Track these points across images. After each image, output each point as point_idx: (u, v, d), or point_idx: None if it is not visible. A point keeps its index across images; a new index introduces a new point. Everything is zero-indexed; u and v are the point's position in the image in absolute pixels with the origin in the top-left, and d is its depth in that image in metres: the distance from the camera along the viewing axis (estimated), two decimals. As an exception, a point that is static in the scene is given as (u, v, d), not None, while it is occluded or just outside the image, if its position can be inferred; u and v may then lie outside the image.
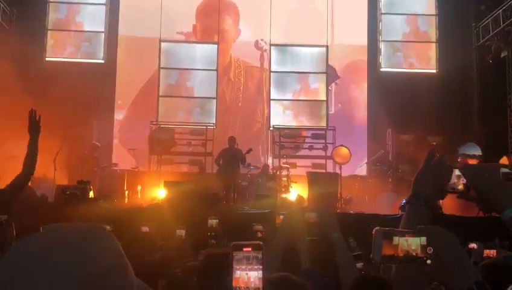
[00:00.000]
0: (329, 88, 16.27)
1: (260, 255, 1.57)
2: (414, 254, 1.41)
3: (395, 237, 1.42)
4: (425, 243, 1.41)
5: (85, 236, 1.17)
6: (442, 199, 1.90)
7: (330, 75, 16.24)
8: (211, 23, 16.63)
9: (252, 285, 1.55)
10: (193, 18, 16.68)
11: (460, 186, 1.77)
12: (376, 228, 1.46)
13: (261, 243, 1.60)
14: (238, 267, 1.57)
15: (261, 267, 1.57)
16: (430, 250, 1.40)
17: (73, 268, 1.09)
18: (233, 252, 1.58)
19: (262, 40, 16.44)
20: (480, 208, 1.83)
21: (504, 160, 12.01)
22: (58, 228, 1.19)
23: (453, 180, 1.78)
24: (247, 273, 1.56)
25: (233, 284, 1.56)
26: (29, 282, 1.08)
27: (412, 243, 1.41)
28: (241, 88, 16.45)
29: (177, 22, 16.56)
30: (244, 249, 1.58)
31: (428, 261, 1.40)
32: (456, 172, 1.78)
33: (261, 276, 1.56)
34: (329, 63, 16.09)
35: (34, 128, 4.60)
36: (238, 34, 16.71)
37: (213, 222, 5.83)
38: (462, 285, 1.42)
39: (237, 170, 12.51)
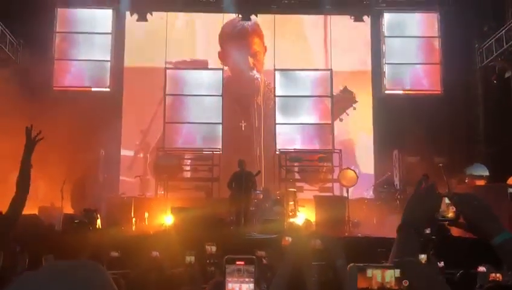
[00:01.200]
0: (347, 113, 16.33)
1: (252, 269, 1.58)
2: (388, 287, 1.42)
3: (369, 270, 1.43)
4: (399, 275, 1.42)
5: (80, 274, 1.19)
6: (433, 226, 1.91)
7: (348, 99, 16.32)
8: (238, 46, 16.82)
9: None
10: (198, 46, 16.84)
11: (451, 214, 1.78)
12: (350, 264, 1.48)
13: (254, 257, 1.61)
14: (230, 279, 1.58)
15: (252, 279, 1.58)
16: (406, 283, 1.41)
17: None
18: (226, 265, 1.59)
19: (253, 70, 16.61)
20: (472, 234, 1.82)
21: (511, 180, 11.94)
22: (54, 267, 1.21)
23: (443, 207, 1.78)
24: (239, 286, 1.57)
25: None
26: None
27: (386, 276, 1.43)
28: (273, 123, 16.38)
29: (181, 50, 16.75)
30: (237, 263, 1.59)
31: None
32: (446, 200, 1.79)
33: (252, 288, 1.57)
34: (333, 86, 16.17)
35: (28, 144, 4.40)
36: (265, 51, 16.89)
37: (212, 248, 5.65)
38: None
39: (248, 194, 12.43)
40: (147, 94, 16.31)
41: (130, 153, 16.10)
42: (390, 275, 1.44)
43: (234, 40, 16.85)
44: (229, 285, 1.59)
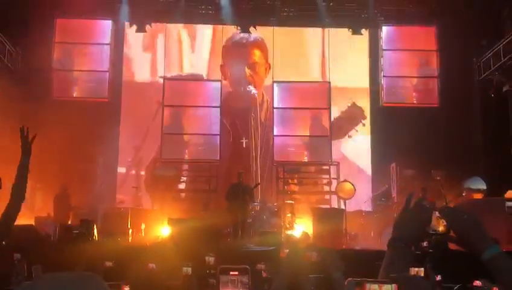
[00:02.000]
0: (356, 129, 16.32)
1: (246, 279, 1.58)
2: None
3: (367, 285, 1.44)
4: None
5: (79, 286, 1.18)
6: (423, 241, 1.91)
7: (357, 114, 16.31)
8: (238, 58, 16.83)
9: None
10: (196, 58, 16.89)
11: (441, 228, 1.77)
12: (348, 279, 1.48)
13: (248, 267, 1.61)
14: None
15: None
16: None
17: None
18: (219, 275, 1.58)
19: (250, 85, 16.51)
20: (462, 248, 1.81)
21: (509, 194, 11.93)
22: (53, 278, 1.21)
23: (434, 222, 1.78)
24: None
25: None
26: None
27: None
28: (271, 135, 16.28)
29: (179, 62, 16.81)
30: (231, 273, 1.58)
31: None
32: (437, 214, 1.78)
33: None
34: (332, 98, 16.17)
35: (25, 148, 4.04)
36: (269, 69, 16.78)
37: (210, 259, 5.65)
38: None
39: (246, 205, 12.41)
40: (143, 107, 16.29)
41: (122, 169, 15.99)
42: (389, 288, 1.44)
43: (234, 50, 16.87)
44: None
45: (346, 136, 16.34)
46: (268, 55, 16.72)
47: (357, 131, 16.34)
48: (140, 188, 15.30)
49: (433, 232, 1.79)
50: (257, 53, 16.83)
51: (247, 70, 16.59)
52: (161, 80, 16.24)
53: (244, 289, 1.50)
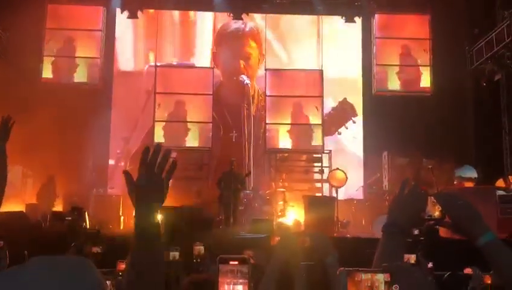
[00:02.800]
0: (346, 127, 16.27)
1: (246, 269, 1.55)
2: (377, 284, 1.40)
3: (358, 274, 1.42)
4: (389, 279, 1.40)
5: (71, 270, 1.16)
6: (419, 226, 1.91)
7: (347, 111, 16.26)
8: (233, 48, 16.66)
9: None
10: (189, 46, 16.78)
11: (437, 213, 1.77)
12: (340, 268, 1.47)
13: (247, 257, 1.59)
14: (223, 280, 1.55)
15: (246, 281, 1.55)
16: (396, 288, 1.39)
17: None
18: (219, 265, 1.56)
19: (243, 75, 16.39)
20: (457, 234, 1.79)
21: (500, 182, 11.99)
22: (44, 261, 1.18)
23: (429, 207, 1.77)
24: (232, 287, 1.54)
25: None
26: None
27: (376, 280, 1.41)
28: (263, 124, 16.16)
29: (171, 49, 16.71)
30: (231, 263, 1.56)
31: None
32: (432, 199, 1.77)
33: (246, 289, 1.54)
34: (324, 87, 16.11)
35: (3, 134, 3.91)
36: (263, 60, 16.62)
37: (200, 248, 5.56)
38: None
39: (238, 193, 12.44)
40: (133, 96, 16.18)
41: (111, 162, 15.86)
42: (380, 279, 1.42)
43: (229, 40, 16.74)
44: (223, 286, 1.56)
45: (336, 134, 16.30)
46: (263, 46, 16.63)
47: (347, 128, 16.28)
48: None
49: (428, 218, 1.78)
50: (252, 44, 16.71)
51: (242, 62, 16.46)
52: (152, 69, 16.13)
53: (244, 279, 1.49)
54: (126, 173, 1.72)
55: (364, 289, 1.41)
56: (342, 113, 16.36)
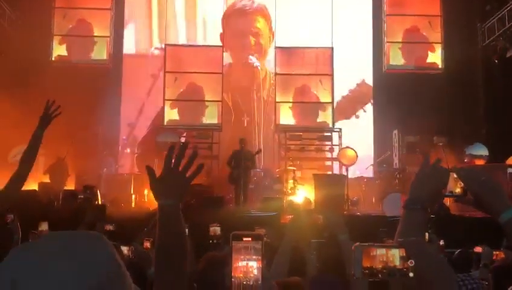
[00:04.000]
0: (364, 110, 16.17)
1: (259, 246, 1.57)
2: (392, 265, 1.40)
3: (373, 250, 1.42)
4: (404, 254, 1.41)
5: (86, 245, 1.17)
6: (440, 202, 1.92)
7: (365, 94, 16.16)
8: (241, 25, 16.50)
9: (251, 275, 1.55)
10: (198, 27, 16.68)
11: (458, 190, 1.76)
12: (355, 244, 1.47)
13: (261, 233, 1.60)
14: (237, 257, 1.56)
15: (260, 257, 1.56)
16: (411, 263, 1.39)
17: (75, 278, 1.09)
18: (233, 242, 1.57)
19: (253, 55, 16.27)
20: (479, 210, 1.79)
21: (511, 160, 11.97)
22: (59, 235, 1.19)
23: (451, 183, 1.77)
24: (246, 263, 1.55)
25: (233, 274, 1.55)
26: None
27: (390, 255, 1.41)
28: (258, 117, 16.08)
29: (180, 30, 16.64)
30: (244, 239, 1.57)
31: (411, 274, 1.39)
32: (454, 175, 1.77)
33: (260, 266, 1.55)
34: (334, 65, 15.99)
35: (43, 120, 3.96)
36: (272, 38, 16.45)
37: (216, 229, 5.52)
38: None
39: (247, 172, 12.46)
40: (140, 79, 16.18)
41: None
42: (395, 254, 1.43)
43: (236, 18, 16.60)
44: (236, 263, 1.57)
45: (353, 117, 16.20)
46: (272, 23, 16.50)
47: (365, 111, 16.19)
48: (143, 154, 15.27)
49: (450, 194, 1.78)
50: (261, 21, 16.59)
51: (252, 39, 16.37)
52: (158, 51, 16.14)
53: (257, 255, 1.51)
54: (148, 169, 1.81)
55: (379, 264, 1.42)
56: (359, 96, 16.24)
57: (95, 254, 1.15)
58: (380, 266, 1.41)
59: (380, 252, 1.42)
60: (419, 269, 1.43)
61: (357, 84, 16.21)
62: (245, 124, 16.01)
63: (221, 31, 16.57)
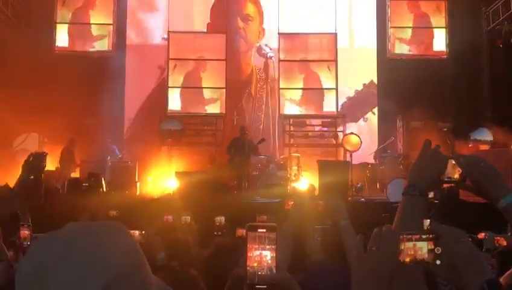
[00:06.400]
0: (373, 112, 15.99)
1: (273, 236, 1.59)
2: (421, 259, 1.38)
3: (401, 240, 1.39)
4: (432, 246, 1.39)
5: (106, 235, 1.19)
6: (439, 189, 1.92)
7: (373, 94, 16.05)
8: (230, 6, 16.36)
9: (265, 264, 1.57)
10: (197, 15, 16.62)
11: (456, 176, 1.77)
12: (358, 235, 1.46)
13: (275, 224, 1.62)
14: (251, 247, 1.59)
15: (274, 247, 1.59)
16: (438, 250, 1.38)
17: (96, 268, 1.11)
18: (247, 232, 1.60)
19: (266, 45, 16.19)
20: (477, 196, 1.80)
21: (516, 145, 11.93)
22: (78, 227, 1.21)
23: (449, 169, 1.77)
24: (260, 253, 1.58)
25: (247, 263, 1.57)
26: (52, 282, 1.09)
27: (418, 249, 1.39)
28: (263, 106, 16.07)
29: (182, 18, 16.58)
30: (259, 230, 1.60)
31: (438, 262, 1.38)
32: (452, 161, 1.77)
33: (274, 255, 1.58)
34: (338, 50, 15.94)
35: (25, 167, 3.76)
36: (262, 35, 16.37)
37: (221, 219, 5.55)
38: (474, 285, 1.39)
39: (248, 159, 12.49)
40: (144, 71, 16.16)
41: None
42: (423, 247, 1.40)
43: (225, 3, 16.44)
44: (251, 252, 1.60)
45: (361, 119, 16.10)
46: (268, 13, 16.36)
47: (374, 114, 16.10)
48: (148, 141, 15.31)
49: (448, 180, 1.78)
50: (251, 8, 16.44)
51: (240, 21, 16.25)
52: (163, 42, 16.08)
53: (271, 245, 1.53)
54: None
55: (406, 257, 1.40)
56: (368, 97, 16.17)
57: (117, 244, 1.18)
58: (408, 260, 1.39)
59: (408, 245, 1.39)
60: (452, 256, 1.41)
61: (364, 84, 16.10)
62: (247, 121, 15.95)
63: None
